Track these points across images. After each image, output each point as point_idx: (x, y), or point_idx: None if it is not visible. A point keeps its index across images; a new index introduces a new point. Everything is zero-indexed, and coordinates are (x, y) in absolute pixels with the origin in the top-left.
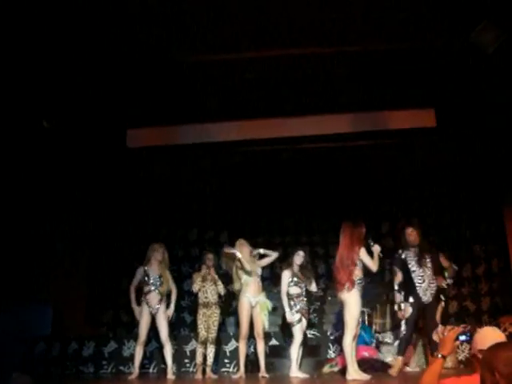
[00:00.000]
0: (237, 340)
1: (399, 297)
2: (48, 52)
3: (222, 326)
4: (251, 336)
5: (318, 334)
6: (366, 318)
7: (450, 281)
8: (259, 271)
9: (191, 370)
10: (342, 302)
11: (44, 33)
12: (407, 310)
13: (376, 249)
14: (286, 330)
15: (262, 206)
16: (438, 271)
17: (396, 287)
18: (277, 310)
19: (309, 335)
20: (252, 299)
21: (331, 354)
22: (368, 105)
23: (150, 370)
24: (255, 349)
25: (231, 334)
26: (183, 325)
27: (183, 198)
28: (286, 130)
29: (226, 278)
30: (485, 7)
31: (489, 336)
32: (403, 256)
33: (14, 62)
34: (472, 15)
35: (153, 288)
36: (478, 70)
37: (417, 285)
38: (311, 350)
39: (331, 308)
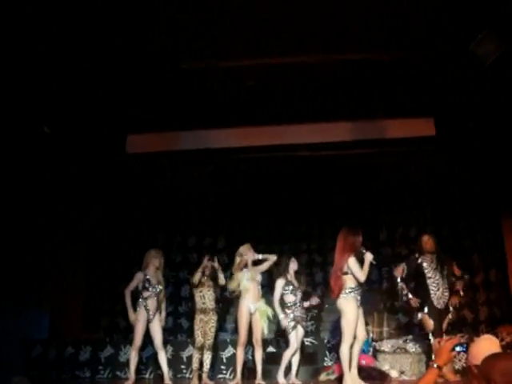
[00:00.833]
0: (234, 346)
1: (405, 288)
2: (49, 57)
3: (218, 332)
4: (248, 342)
5: (314, 342)
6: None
7: (460, 291)
8: (259, 277)
9: (187, 375)
10: (339, 310)
11: (45, 38)
12: (429, 322)
13: (367, 257)
14: (283, 337)
15: (260, 213)
16: (450, 279)
17: (399, 279)
18: (274, 318)
19: (306, 343)
20: (251, 306)
21: (328, 361)
22: (367, 113)
23: (146, 376)
24: (252, 356)
25: (228, 340)
26: (180, 330)
27: (182, 204)
28: (286, 137)
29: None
30: (485, 17)
31: (484, 349)
32: (419, 260)
33: (16, 66)
34: (472, 25)
35: (152, 294)
36: (477, 80)
37: (431, 292)
38: (308, 357)
39: (328, 315)
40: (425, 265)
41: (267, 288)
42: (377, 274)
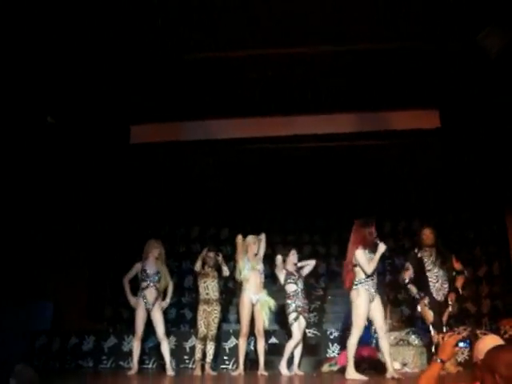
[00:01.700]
0: (236, 337)
1: (414, 289)
2: (53, 48)
3: (221, 323)
4: (251, 334)
5: (317, 333)
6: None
7: (459, 288)
8: (261, 268)
9: (190, 366)
10: (351, 302)
11: (49, 29)
12: (428, 313)
13: (380, 248)
14: (285, 328)
15: (263, 204)
16: (449, 273)
17: (407, 280)
18: (277, 309)
19: (308, 334)
20: (253, 296)
21: (330, 353)
22: (372, 105)
23: (149, 366)
24: (255, 346)
25: (231, 331)
26: (183, 321)
27: (185, 195)
28: (289, 128)
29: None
30: (491, 9)
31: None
32: (419, 255)
33: (19, 57)
34: (479, 17)
35: (150, 284)
36: (483, 72)
37: (430, 284)
38: (310, 348)
39: (331, 307)
40: (424, 258)
41: (270, 279)
42: (380, 266)
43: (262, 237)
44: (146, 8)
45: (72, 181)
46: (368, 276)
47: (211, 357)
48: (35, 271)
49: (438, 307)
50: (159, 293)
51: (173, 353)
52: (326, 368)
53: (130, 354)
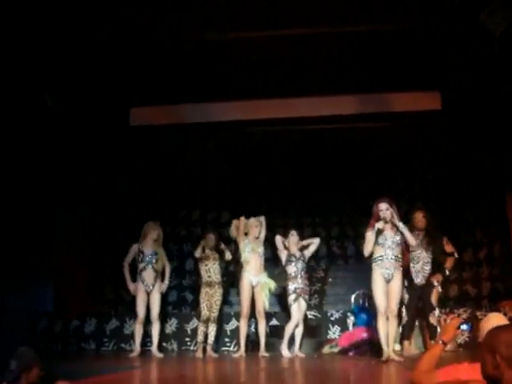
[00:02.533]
0: (238, 319)
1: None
2: (52, 29)
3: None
4: (252, 315)
5: (318, 315)
6: (366, 299)
7: (447, 269)
8: (261, 250)
9: (192, 348)
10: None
11: (47, 10)
12: (403, 296)
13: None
14: (286, 310)
15: (264, 187)
16: (439, 255)
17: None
18: (278, 291)
19: (309, 316)
20: (253, 278)
21: (331, 334)
22: (373, 86)
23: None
24: (256, 328)
25: (232, 313)
26: (184, 304)
27: (186, 178)
28: (290, 110)
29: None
30: None
31: (495, 323)
32: None
33: (17, 38)
34: None
35: (148, 265)
36: (484, 53)
37: (410, 265)
38: (311, 330)
39: (332, 289)
40: None
41: (271, 262)
42: None
43: (262, 219)
44: None
45: (72, 163)
46: (381, 255)
47: (213, 339)
48: (36, 254)
49: (420, 289)
50: (157, 274)
51: (174, 335)
52: (326, 349)
53: (131, 336)
